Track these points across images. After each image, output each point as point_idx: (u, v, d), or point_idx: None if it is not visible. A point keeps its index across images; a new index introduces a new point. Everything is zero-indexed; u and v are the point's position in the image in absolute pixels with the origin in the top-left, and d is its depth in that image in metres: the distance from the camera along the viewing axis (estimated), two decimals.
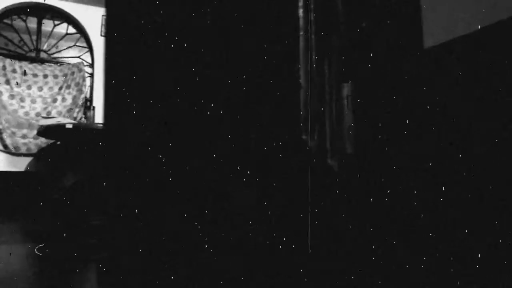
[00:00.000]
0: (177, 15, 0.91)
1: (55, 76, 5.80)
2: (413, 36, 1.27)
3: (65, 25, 6.11)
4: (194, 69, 0.91)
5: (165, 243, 0.88)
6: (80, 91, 5.81)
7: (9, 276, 1.76)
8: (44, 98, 5.66)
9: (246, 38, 0.88)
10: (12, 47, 5.82)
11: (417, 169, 1.16)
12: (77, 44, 6.22)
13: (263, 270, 0.92)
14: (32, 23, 5.91)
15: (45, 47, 6.01)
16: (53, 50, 6.07)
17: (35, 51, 5.94)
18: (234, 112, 0.87)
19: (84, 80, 5.91)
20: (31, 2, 5.74)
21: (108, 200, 0.92)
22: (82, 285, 1.62)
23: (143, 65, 0.90)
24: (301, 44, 0.85)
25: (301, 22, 0.86)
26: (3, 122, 5.27)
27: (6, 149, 5.29)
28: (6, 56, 5.63)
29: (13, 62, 5.55)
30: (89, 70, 6.17)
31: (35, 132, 5.15)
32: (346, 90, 1.10)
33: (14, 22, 5.78)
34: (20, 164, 5.37)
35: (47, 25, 6.01)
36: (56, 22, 6.05)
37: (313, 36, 0.86)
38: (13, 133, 5.33)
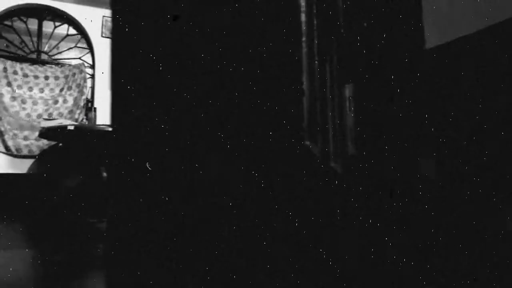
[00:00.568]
0: (182, 16, 0.90)
1: (56, 78, 5.80)
2: (414, 36, 1.27)
3: (65, 26, 6.11)
4: (195, 72, 0.90)
5: (174, 246, 0.88)
6: (81, 92, 5.82)
7: (17, 281, 1.77)
8: (45, 100, 5.67)
9: (248, 43, 0.88)
10: (13, 49, 5.82)
11: (421, 170, 1.16)
12: (78, 45, 6.22)
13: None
14: (33, 24, 5.92)
15: (46, 48, 6.02)
16: (54, 51, 6.07)
17: (36, 53, 5.95)
18: (238, 116, 0.87)
19: (85, 81, 5.91)
20: (32, 4, 5.75)
21: (112, 202, 0.92)
22: None
23: (149, 67, 0.89)
24: (304, 50, 0.84)
25: (303, 27, 0.86)
26: (5, 124, 5.28)
27: (8, 151, 5.30)
28: (7, 58, 5.64)
29: (14, 64, 5.55)
30: (90, 71, 6.17)
31: (37, 133, 5.16)
32: (347, 91, 1.10)
33: (14, 23, 5.78)
34: (22, 166, 5.38)
35: (48, 26, 6.02)
36: (57, 24, 6.05)
37: (316, 41, 0.86)
38: (15, 135, 5.33)
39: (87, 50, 6.25)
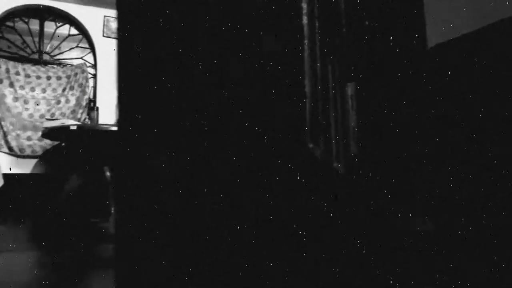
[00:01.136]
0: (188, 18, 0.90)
1: (58, 78, 5.82)
2: (416, 35, 1.27)
3: (67, 26, 6.12)
4: (196, 73, 0.91)
5: (185, 245, 0.89)
6: (84, 92, 5.83)
7: (23, 285, 1.78)
8: (48, 100, 5.68)
9: (250, 47, 0.88)
10: (15, 50, 5.84)
11: (423, 169, 1.15)
12: (80, 45, 6.23)
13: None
14: (35, 25, 5.93)
15: (47, 49, 6.03)
16: (56, 51, 6.08)
17: (38, 53, 5.96)
18: (240, 118, 0.87)
19: (87, 81, 5.92)
20: (33, 4, 5.75)
21: (119, 201, 0.92)
22: None
23: (157, 65, 0.89)
24: (306, 52, 0.84)
25: (305, 29, 0.86)
26: (8, 124, 5.30)
27: (12, 152, 5.32)
28: (9, 58, 5.65)
29: (17, 64, 5.57)
30: (91, 71, 6.18)
31: (39, 134, 5.17)
32: (349, 90, 1.10)
33: (16, 24, 5.79)
34: (26, 166, 5.40)
35: (50, 26, 6.03)
36: (58, 24, 6.06)
37: (318, 43, 0.86)
38: (18, 136, 5.35)
39: (89, 50, 6.26)
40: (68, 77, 5.84)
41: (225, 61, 0.89)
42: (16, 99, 5.47)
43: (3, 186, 4.54)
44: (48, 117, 5.50)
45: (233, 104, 0.89)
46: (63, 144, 5.48)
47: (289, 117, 0.86)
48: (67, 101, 5.74)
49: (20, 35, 5.80)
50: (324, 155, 0.88)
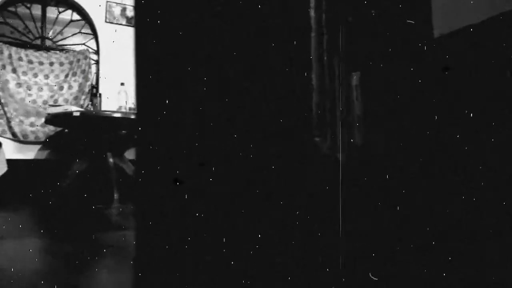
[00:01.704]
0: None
1: (61, 64, 5.80)
2: (422, 24, 1.25)
3: (69, 11, 6.07)
4: (204, 67, 0.90)
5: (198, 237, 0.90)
6: (86, 78, 5.81)
7: (26, 272, 1.79)
8: (50, 86, 5.68)
9: (259, 41, 0.88)
10: (17, 35, 5.81)
11: (426, 166, 1.15)
12: (82, 31, 6.20)
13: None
14: (37, 10, 5.88)
15: (50, 34, 5.99)
16: (58, 37, 6.05)
17: (40, 39, 5.93)
18: (247, 111, 0.87)
19: (90, 67, 5.90)
20: None
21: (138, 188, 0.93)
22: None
23: (173, 52, 0.89)
24: (313, 45, 0.84)
25: (312, 22, 0.85)
26: (11, 110, 5.31)
27: (15, 137, 5.34)
28: (12, 44, 5.63)
29: (19, 50, 5.54)
30: (94, 57, 6.16)
31: (43, 120, 5.18)
32: (354, 80, 1.09)
33: (18, 9, 5.75)
34: (29, 152, 5.43)
35: (52, 12, 5.98)
36: (61, 9, 6.02)
37: (325, 37, 0.85)
38: (21, 122, 5.37)
39: (91, 36, 6.22)
40: (71, 63, 5.82)
41: (235, 60, 0.88)
42: (19, 85, 5.46)
43: (6, 172, 4.57)
44: (51, 103, 5.50)
45: (240, 97, 0.89)
46: (66, 130, 5.49)
47: (296, 110, 0.85)
48: (70, 87, 5.73)
49: (22, 20, 5.76)
50: (330, 149, 0.88)
